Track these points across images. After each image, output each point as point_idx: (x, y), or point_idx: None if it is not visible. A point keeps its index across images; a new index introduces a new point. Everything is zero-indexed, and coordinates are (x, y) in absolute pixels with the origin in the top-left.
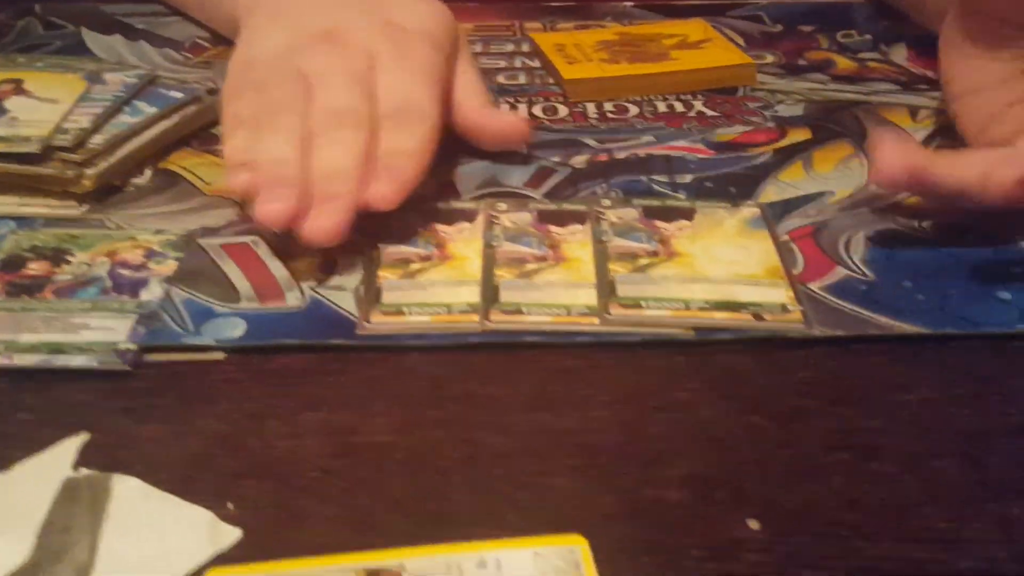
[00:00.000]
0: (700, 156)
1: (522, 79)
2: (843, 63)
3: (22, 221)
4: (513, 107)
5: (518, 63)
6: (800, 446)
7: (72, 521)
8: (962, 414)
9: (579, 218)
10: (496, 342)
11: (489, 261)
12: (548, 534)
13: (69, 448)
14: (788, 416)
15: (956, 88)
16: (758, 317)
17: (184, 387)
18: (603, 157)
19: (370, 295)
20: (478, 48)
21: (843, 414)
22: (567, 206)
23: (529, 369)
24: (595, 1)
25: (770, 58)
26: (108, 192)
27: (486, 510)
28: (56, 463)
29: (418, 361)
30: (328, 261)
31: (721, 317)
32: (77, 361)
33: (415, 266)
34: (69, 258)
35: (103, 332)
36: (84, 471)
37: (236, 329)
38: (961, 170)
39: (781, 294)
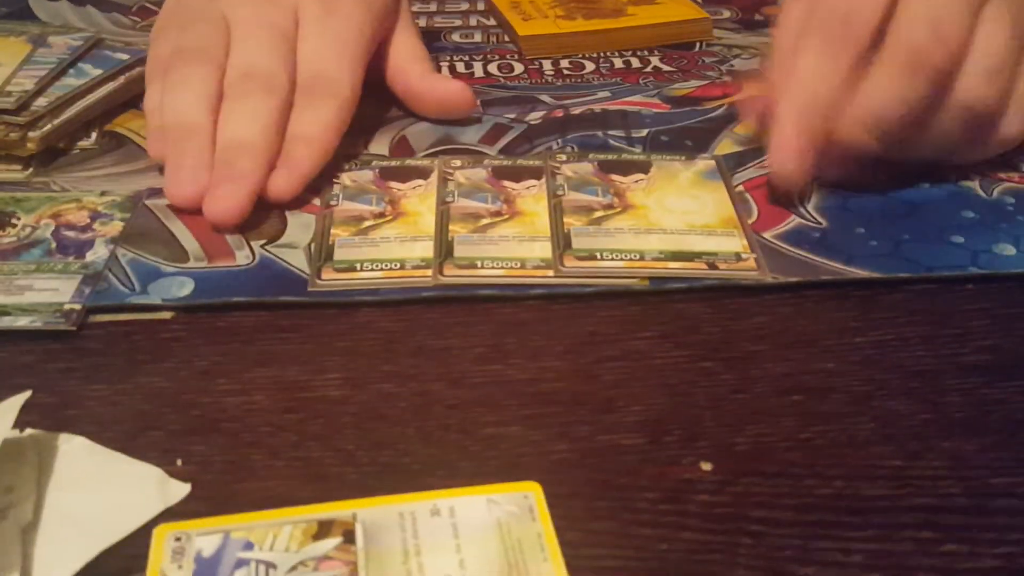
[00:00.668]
0: (656, 111)
1: (477, 37)
2: None
3: None
4: (468, 65)
5: (473, 21)
6: (753, 390)
7: (17, 480)
8: (915, 355)
9: (534, 173)
10: (450, 296)
11: (443, 217)
12: (502, 482)
13: (10, 407)
14: (741, 361)
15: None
16: (712, 266)
17: (131, 347)
18: (559, 113)
19: (322, 252)
20: (433, 7)
21: (795, 358)
22: (522, 161)
23: (483, 322)
24: None
25: (727, 13)
26: (53, 155)
27: (439, 460)
28: None
29: (371, 317)
30: (279, 217)
31: (676, 267)
32: (21, 322)
33: (368, 223)
34: (13, 221)
35: (48, 293)
36: (29, 431)
37: (184, 288)
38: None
39: (735, 243)
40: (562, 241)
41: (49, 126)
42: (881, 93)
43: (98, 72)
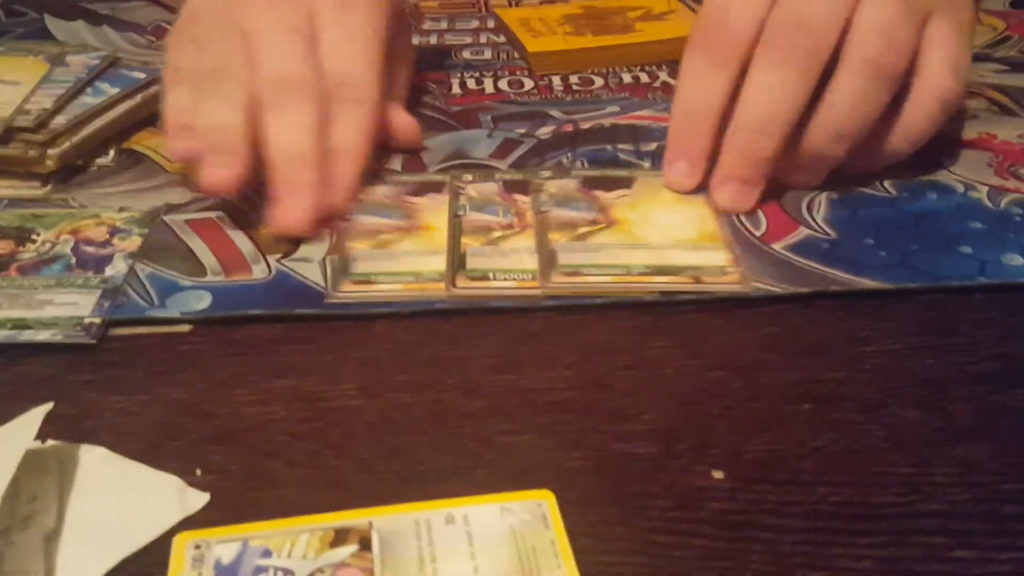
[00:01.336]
0: (665, 125)
1: (487, 54)
2: None
3: None
4: (479, 82)
5: (483, 39)
6: (763, 399)
7: (39, 489)
8: (924, 364)
9: (523, 188)
10: (463, 308)
11: (455, 230)
12: (515, 490)
13: (34, 418)
14: (752, 370)
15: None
16: (697, 280)
17: (150, 359)
18: (568, 128)
19: (340, 265)
20: (443, 25)
21: (806, 367)
22: (519, 176)
23: (496, 333)
24: None
25: None
26: (72, 172)
27: (454, 469)
28: (20, 433)
29: (385, 328)
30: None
31: (661, 281)
32: (42, 336)
33: (386, 236)
34: (33, 236)
35: (68, 307)
36: (51, 442)
37: (201, 301)
38: None
39: (720, 257)
40: (548, 257)
41: (68, 144)
42: (846, 104)
43: (115, 91)
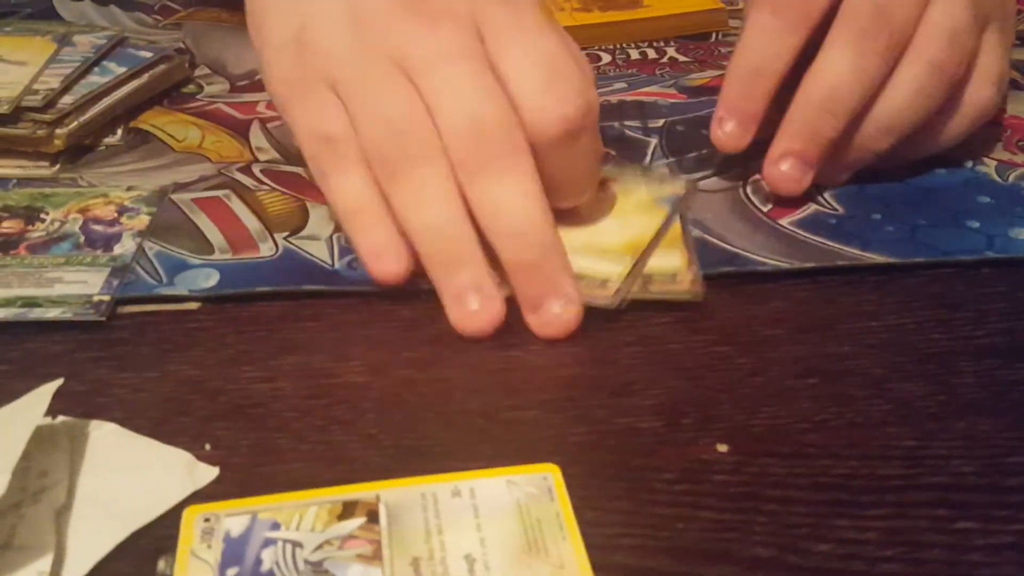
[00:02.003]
0: (672, 101)
1: None
2: None
3: None
4: None
5: None
6: (768, 373)
7: (50, 464)
8: (930, 338)
9: None
10: None
11: None
12: (521, 464)
13: (44, 394)
14: (758, 345)
15: None
16: (646, 284)
17: (159, 336)
18: None
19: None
20: None
21: (811, 341)
22: None
23: None
24: None
25: (742, 3)
26: (80, 151)
27: (460, 443)
28: (31, 409)
29: (391, 306)
30: (302, 210)
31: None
32: (52, 313)
33: None
34: (42, 216)
35: (77, 285)
36: (62, 418)
37: (209, 279)
38: None
39: (675, 262)
40: None
41: (75, 123)
42: (904, 100)
43: (122, 70)
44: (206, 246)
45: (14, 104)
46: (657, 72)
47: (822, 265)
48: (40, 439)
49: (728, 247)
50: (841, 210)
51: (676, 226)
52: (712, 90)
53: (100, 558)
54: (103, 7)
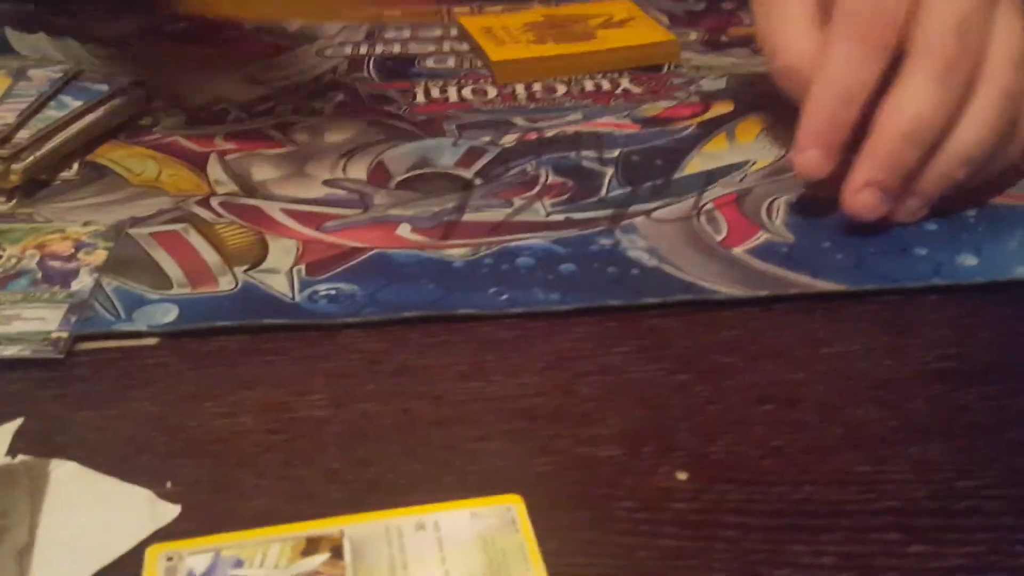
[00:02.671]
0: (627, 131)
1: (451, 63)
2: None
3: None
4: (443, 90)
5: (446, 47)
6: (725, 400)
7: (10, 505)
8: (881, 364)
9: None
10: (430, 316)
11: None
12: (484, 496)
13: (3, 434)
14: (714, 373)
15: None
16: None
17: (118, 373)
18: (532, 135)
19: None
20: (407, 34)
21: (766, 369)
22: None
23: (463, 341)
24: None
25: (694, 35)
26: (36, 186)
27: (423, 476)
28: None
29: (352, 338)
30: (261, 243)
31: None
32: (9, 351)
33: None
34: None
35: (35, 322)
36: (21, 457)
37: (168, 314)
38: None
39: None
40: None
41: (31, 158)
42: (983, 131)
43: (78, 104)
44: (164, 281)
45: None
46: (611, 103)
47: (775, 293)
48: None
49: (683, 276)
50: (792, 239)
51: None
52: (664, 121)
53: None
54: (58, 40)
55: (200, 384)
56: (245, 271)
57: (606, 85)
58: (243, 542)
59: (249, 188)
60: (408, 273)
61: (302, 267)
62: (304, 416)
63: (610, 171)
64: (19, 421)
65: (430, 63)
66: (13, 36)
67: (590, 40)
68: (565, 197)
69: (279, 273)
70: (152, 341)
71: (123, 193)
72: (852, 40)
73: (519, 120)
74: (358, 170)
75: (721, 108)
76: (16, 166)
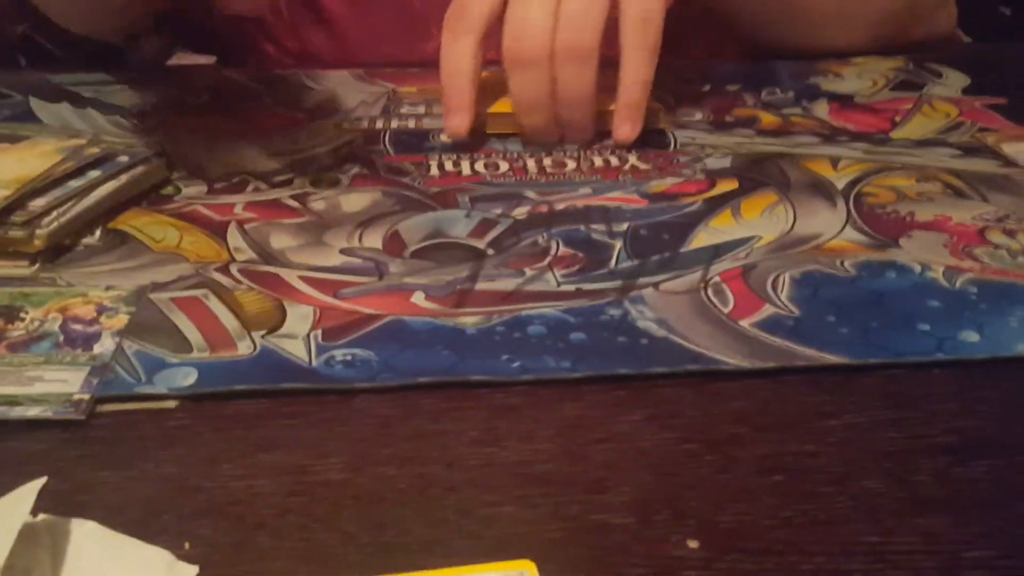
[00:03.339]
0: (635, 206)
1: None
2: (767, 119)
3: None
4: (456, 164)
5: None
6: (735, 470)
7: (33, 563)
8: (887, 436)
9: None
10: (445, 382)
11: None
12: (497, 560)
13: (28, 492)
14: (724, 443)
15: None
16: None
17: (139, 435)
18: (543, 208)
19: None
20: (421, 110)
21: (775, 439)
22: None
23: (476, 407)
24: None
25: (699, 115)
26: (59, 251)
27: (437, 540)
28: (16, 507)
29: (368, 403)
30: (279, 309)
31: None
32: (32, 412)
33: None
34: (22, 315)
35: (57, 384)
36: (43, 516)
37: (188, 378)
38: None
39: None
40: None
41: (55, 224)
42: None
43: (98, 173)
44: (184, 345)
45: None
46: (620, 179)
47: (782, 365)
48: (22, 537)
49: (691, 347)
50: (797, 312)
51: None
52: (671, 197)
53: None
54: (81, 109)
55: (219, 446)
56: (263, 336)
57: (614, 161)
58: None
59: (268, 256)
60: (422, 340)
61: (319, 332)
62: (321, 479)
63: (619, 244)
64: (43, 480)
65: (444, 137)
66: (37, 105)
67: None
68: (575, 268)
69: (296, 338)
70: (172, 404)
71: (145, 259)
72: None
73: (530, 193)
74: (374, 239)
75: (726, 185)
76: (40, 231)
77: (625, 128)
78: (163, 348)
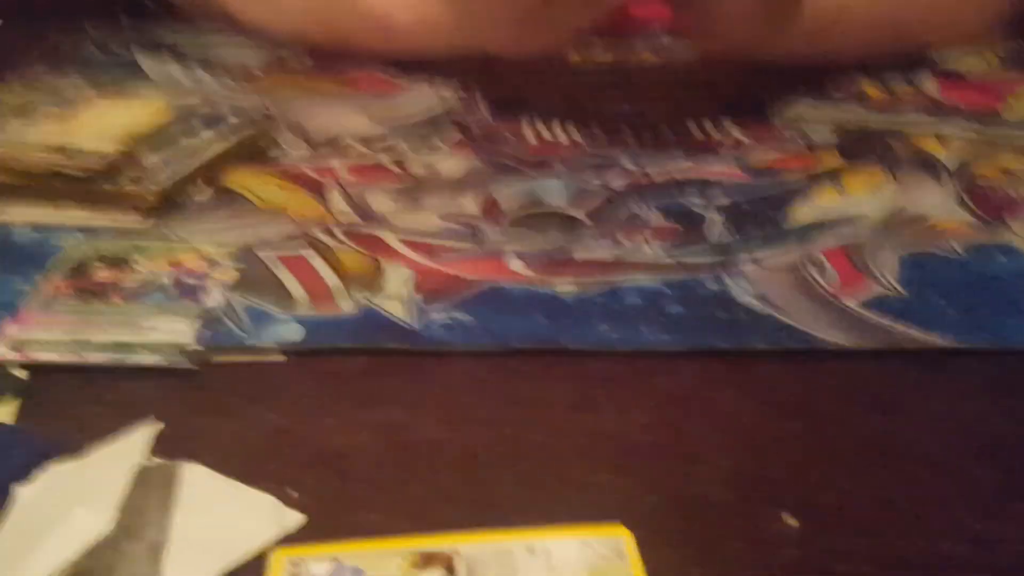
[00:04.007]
0: (736, 180)
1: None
2: (872, 91)
3: (90, 232)
4: (553, 132)
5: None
6: (835, 450)
7: (145, 503)
8: (991, 422)
9: None
10: (542, 348)
11: None
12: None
13: (143, 436)
14: (822, 421)
15: None
16: None
17: (246, 386)
18: (642, 180)
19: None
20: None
21: (875, 420)
22: None
23: (573, 376)
24: None
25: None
26: (170, 208)
27: (532, 501)
28: (131, 450)
29: (467, 366)
30: (378, 270)
31: None
32: (148, 360)
33: None
34: (135, 266)
35: (170, 334)
36: (156, 459)
37: (294, 333)
38: None
39: None
40: None
41: (169, 181)
42: None
43: (210, 133)
44: (289, 300)
45: (111, 161)
46: (720, 152)
47: (885, 345)
48: (137, 478)
49: (792, 323)
50: (904, 293)
51: None
52: (774, 171)
53: None
54: (188, 70)
55: (322, 401)
56: (365, 297)
57: (715, 134)
58: (362, 552)
59: (369, 217)
60: (519, 306)
61: (419, 295)
62: (420, 437)
63: (719, 217)
64: (159, 425)
65: (542, 104)
66: (144, 62)
67: None
68: (674, 240)
69: (397, 300)
70: (280, 357)
71: (251, 217)
72: None
73: (627, 163)
74: (472, 205)
75: (830, 160)
76: (154, 187)
77: None
78: (269, 303)
